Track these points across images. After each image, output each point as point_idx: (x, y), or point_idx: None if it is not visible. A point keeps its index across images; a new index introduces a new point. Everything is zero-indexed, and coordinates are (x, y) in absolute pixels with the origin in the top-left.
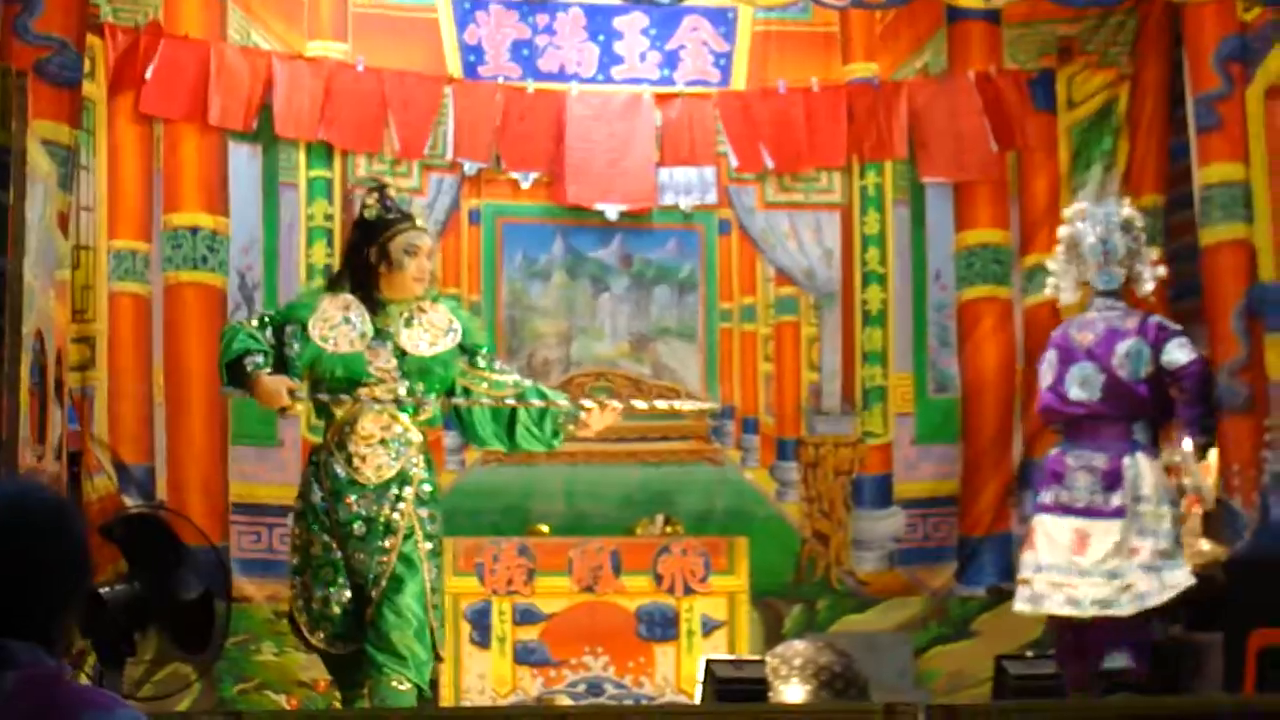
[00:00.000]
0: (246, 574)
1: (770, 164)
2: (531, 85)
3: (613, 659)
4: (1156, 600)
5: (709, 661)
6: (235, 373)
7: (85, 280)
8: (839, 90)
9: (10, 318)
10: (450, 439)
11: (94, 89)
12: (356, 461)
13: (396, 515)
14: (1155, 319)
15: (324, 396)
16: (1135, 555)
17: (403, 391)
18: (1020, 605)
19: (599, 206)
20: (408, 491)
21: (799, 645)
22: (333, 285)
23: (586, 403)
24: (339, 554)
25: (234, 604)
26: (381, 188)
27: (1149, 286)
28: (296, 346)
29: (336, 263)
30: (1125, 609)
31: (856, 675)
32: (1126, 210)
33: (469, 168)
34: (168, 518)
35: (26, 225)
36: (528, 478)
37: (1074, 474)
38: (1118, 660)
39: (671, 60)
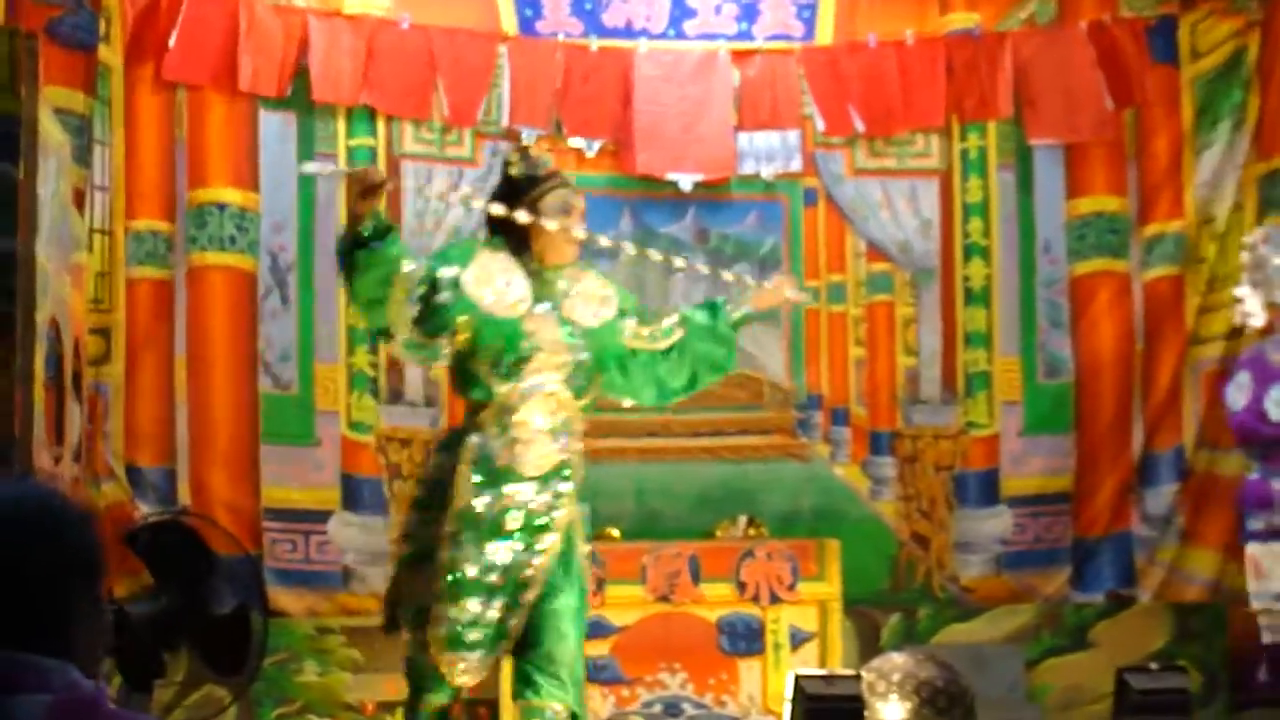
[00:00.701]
0: (283, 585)
1: (860, 126)
2: (595, 42)
3: (691, 676)
4: None
5: (798, 677)
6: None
7: (101, 266)
8: (936, 43)
9: (23, 304)
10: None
11: (110, 53)
12: (519, 448)
13: (557, 513)
14: None
15: (483, 368)
16: None
17: (572, 369)
18: (1266, 637)
19: (671, 176)
20: (569, 486)
21: (898, 658)
22: (489, 243)
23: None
24: (483, 559)
25: (271, 619)
26: (524, 146)
27: None
28: (448, 295)
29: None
30: None
31: (962, 691)
32: None
33: (527, 135)
34: (195, 524)
35: (39, 202)
36: (593, 476)
37: None
38: None
39: (750, 13)
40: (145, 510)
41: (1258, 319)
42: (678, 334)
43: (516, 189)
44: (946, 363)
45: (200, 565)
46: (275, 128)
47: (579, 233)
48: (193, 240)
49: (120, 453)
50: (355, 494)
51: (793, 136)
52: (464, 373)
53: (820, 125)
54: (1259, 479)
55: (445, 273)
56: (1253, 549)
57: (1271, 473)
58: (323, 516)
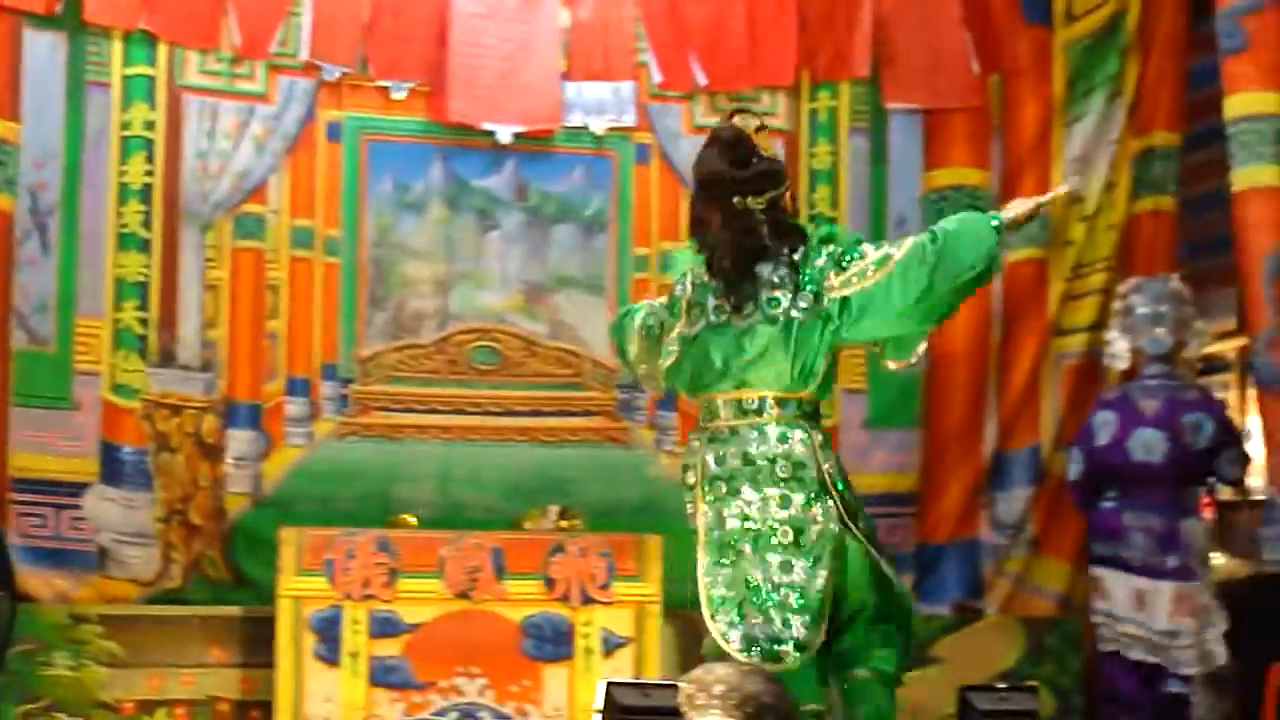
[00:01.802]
0: (31, 565)
1: (702, 79)
2: None
3: (491, 681)
4: (1216, 660)
5: (610, 686)
6: None
7: None
8: None
9: None
10: (293, 406)
11: None
12: None
13: None
14: (1219, 405)
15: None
16: (1191, 615)
17: None
18: (1100, 646)
19: (488, 126)
20: None
21: (720, 669)
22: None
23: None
24: None
25: (18, 604)
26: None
27: (1193, 355)
28: None
29: (160, 182)
30: (1187, 669)
31: (790, 707)
32: (1174, 284)
33: (328, 71)
34: None
35: None
36: (392, 456)
37: (1132, 533)
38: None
39: None
40: None
41: (1123, 362)
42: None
43: (778, 177)
44: None
45: None
46: (42, 50)
47: None
48: None
49: None
50: (116, 466)
51: (626, 88)
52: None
53: (657, 76)
54: (1113, 509)
55: None
56: (1098, 571)
57: (1125, 505)
58: (78, 489)
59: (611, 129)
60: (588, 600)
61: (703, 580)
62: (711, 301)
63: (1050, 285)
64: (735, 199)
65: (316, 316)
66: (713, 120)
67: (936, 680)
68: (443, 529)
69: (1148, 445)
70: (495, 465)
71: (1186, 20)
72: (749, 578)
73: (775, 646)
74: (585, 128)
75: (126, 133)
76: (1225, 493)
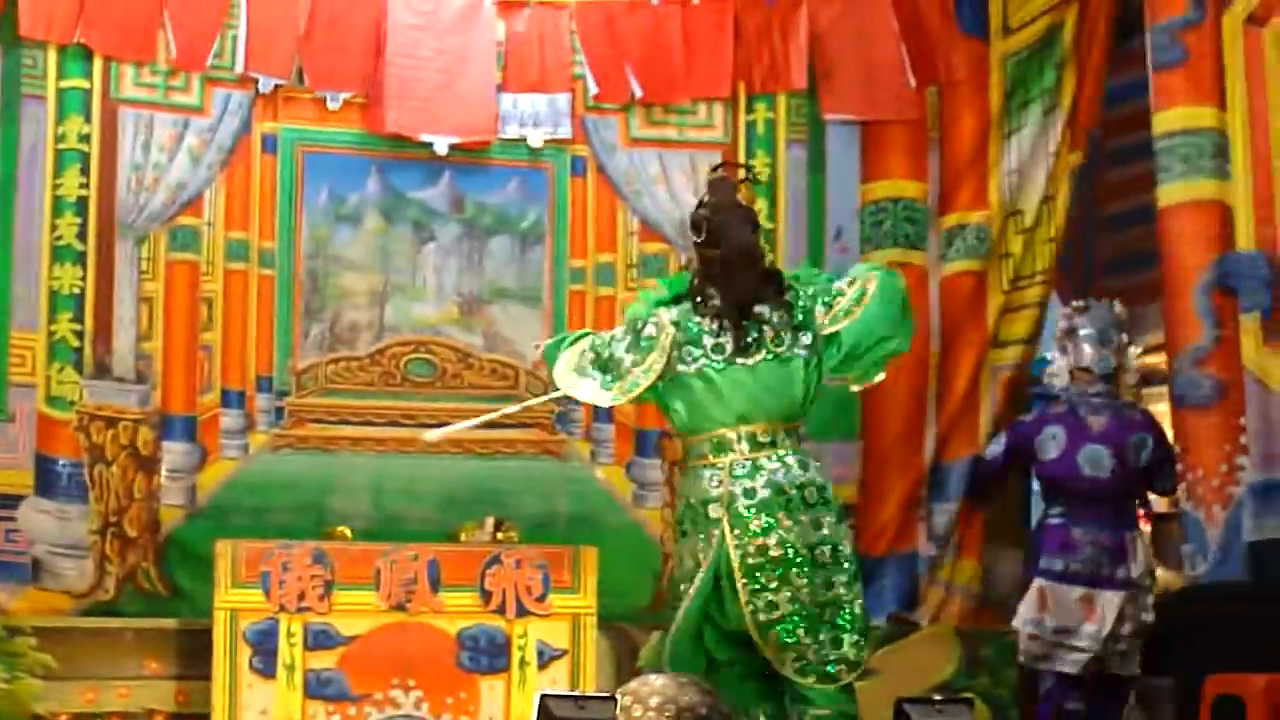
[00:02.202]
0: None
1: (638, 91)
2: None
3: (427, 694)
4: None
5: (545, 698)
6: None
7: None
8: (724, 4)
9: None
10: (228, 418)
11: None
12: None
13: None
14: (1158, 424)
15: None
16: (1133, 623)
17: None
18: (1024, 659)
19: (425, 138)
20: None
21: (656, 681)
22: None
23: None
24: None
25: None
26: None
27: (1132, 379)
28: None
29: (95, 195)
30: (1124, 670)
31: (724, 718)
32: (1118, 308)
33: (264, 83)
34: None
35: None
36: (326, 468)
37: (1082, 546)
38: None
39: None
40: None
41: (1062, 380)
42: None
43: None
44: None
45: None
46: None
47: None
48: None
49: None
50: (51, 477)
51: (562, 100)
52: None
53: (593, 89)
54: (1061, 524)
55: None
56: (1043, 584)
57: (1075, 520)
58: (13, 501)
59: (548, 141)
60: (523, 612)
61: (746, 609)
62: (709, 341)
63: (989, 297)
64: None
65: (251, 329)
66: (650, 133)
67: (873, 692)
68: (378, 541)
69: (1095, 461)
70: (430, 477)
71: (1110, 35)
72: (798, 600)
73: (829, 667)
74: (522, 139)
75: (62, 145)
76: (1162, 504)
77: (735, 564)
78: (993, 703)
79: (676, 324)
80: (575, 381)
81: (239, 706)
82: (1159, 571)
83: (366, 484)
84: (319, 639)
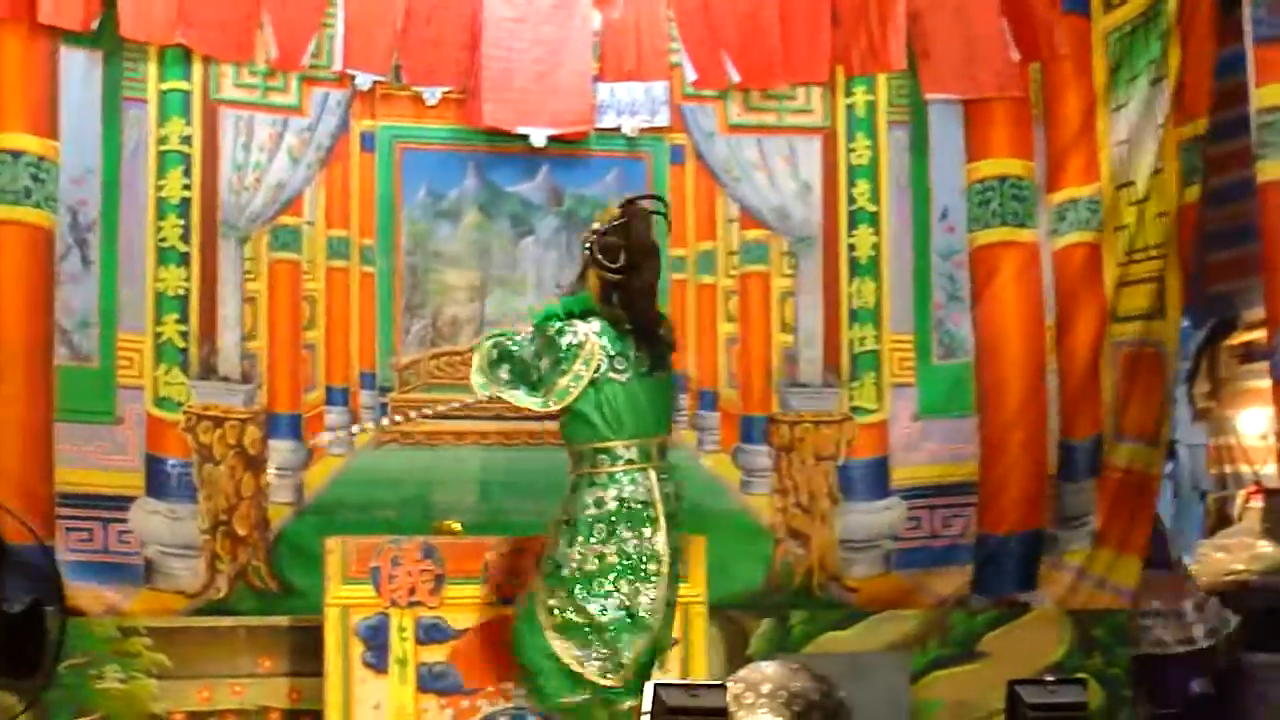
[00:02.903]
0: (80, 580)
1: (735, 78)
2: None
3: None
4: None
5: (658, 688)
6: None
7: None
8: None
9: None
10: (332, 415)
11: None
12: None
13: None
14: None
15: None
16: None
17: None
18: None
19: (522, 130)
20: None
21: (768, 668)
22: None
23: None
24: None
25: (68, 617)
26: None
27: None
28: None
29: (198, 196)
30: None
31: (838, 704)
32: None
33: (362, 81)
34: None
35: None
36: (431, 463)
37: None
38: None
39: None
40: None
41: None
42: None
43: None
44: (829, 341)
45: None
46: (78, 67)
47: None
48: None
49: None
50: (160, 478)
51: (659, 88)
52: None
53: (690, 76)
54: None
55: None
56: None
57: None
58: (124, 503)
59: (645, 130)
60: None
61: (659, 601)
62: (631, 355)
63: (1105, 270)
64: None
65: (354, 326)
66: (748, 119)
67: (983, 675)
68: (487, 534)
69: None
70: (534, 469)
71: (1219, 5)
72: (653, 600)
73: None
74: (619, 129)
75: (164, 147)
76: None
77: (663, 558)
78: (1106, 683)
79: (599, 335)
80: (490, 380)
81: (352, 702)
82: (1266, 546)
83: (471, 477)
84: (430, 633)
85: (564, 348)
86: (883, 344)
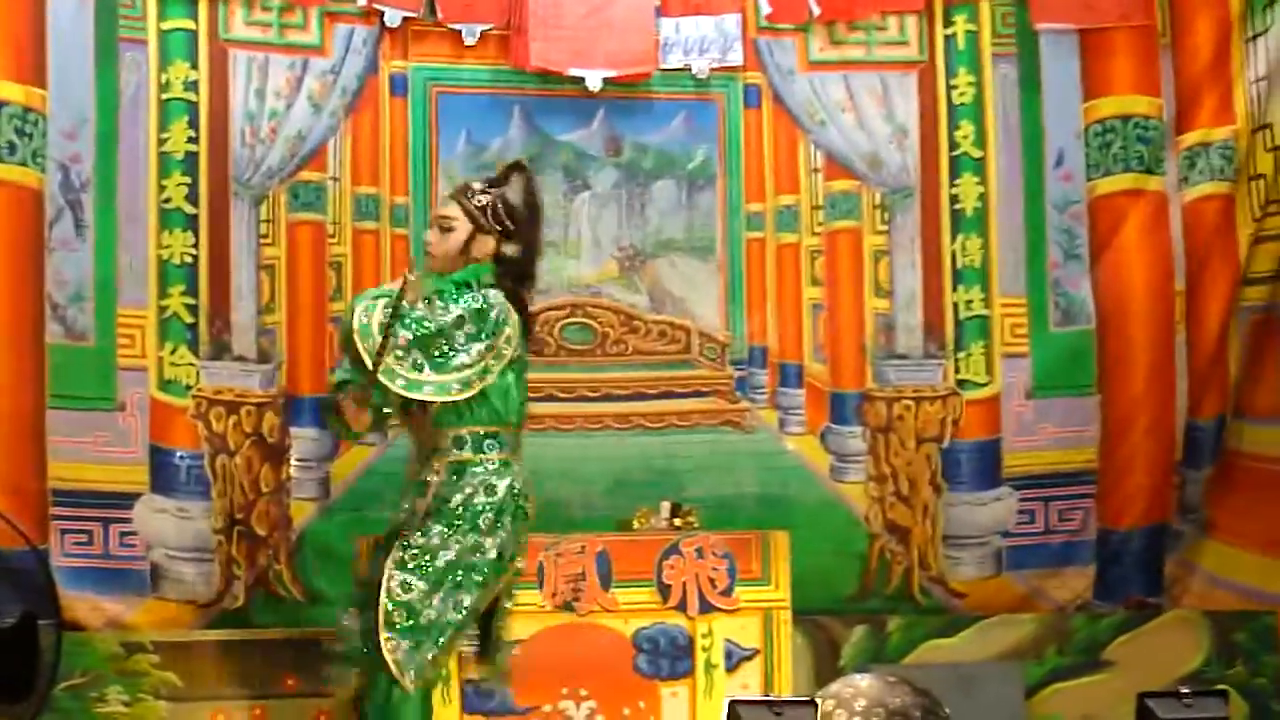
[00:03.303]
0: (77, 588)
1: (816, 9)
2: None
3: (601, 704)
4: None
5: (735, 705)
6: None
7: None
8: None
9: None
10: None
11: None
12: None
13: None
14: None
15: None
16: None
17: None
18: None
19: (575, 72)
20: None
21: (862, 682)
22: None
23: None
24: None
25: (64, 631)
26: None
27: None
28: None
29: (205, 150)
30: None
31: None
32: None
33: (391, 16)
34: None
35: None
36: None
37: None
38: None
39: None
40: None
41: None
42: None
43: None
44: (930, 306)
45: None
46: (69, 8)
47: (431, 245)
48: None
49: None
50: (167, 472)
51: (730, 21)
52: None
53: (765, 8)
54: None
55: None
56: None
57: None
58: (127, 501)
59: (716, 69)
60: (707, 608)
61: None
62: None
63: (1239, 226)
64: None
65: None
66: (832, 54)
67: (1110, 687)
68: (539, 532)
69: None
70: (595, 457)
71: None
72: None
73: None
74: (686, 69)
75: (166, 95)
76: None
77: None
78: (1250, 695)
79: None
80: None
81: None
82: None
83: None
84: None
85: (490, 324)
86: (992, 308)
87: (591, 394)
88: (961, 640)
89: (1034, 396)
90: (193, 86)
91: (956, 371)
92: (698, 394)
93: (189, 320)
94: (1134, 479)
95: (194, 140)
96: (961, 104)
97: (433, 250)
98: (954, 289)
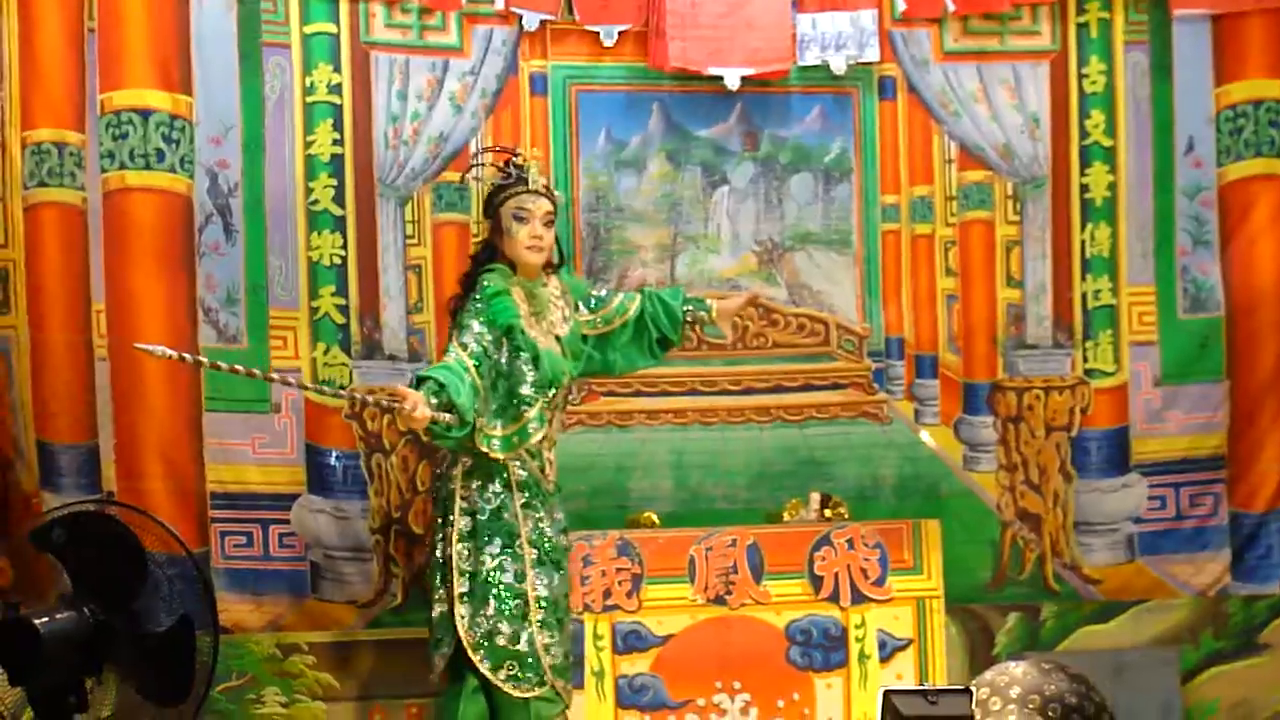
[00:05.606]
0: (236, 591)
1: (951, 5)
2: None
3: (755, 696)
4: None
5: (889, 695)
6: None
7: None
8: None
9: None
10: None
11: None
12: (548, 469)
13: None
14: None
15: (529, 394)
16: None
17: (567, 381)
18: None
19: (713, 71)
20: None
21: (1017, 670)
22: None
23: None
24: (527, 580)
25: (222, 635)
26: (511, 151)
27: None
28: (525, 354)
29: (350, 152)
30: None
31: (1100, 709)
32: None
33: (529, 19)
34: (122, 515)
35: None
36: (622, 446)
37: None
38: None
39: None
40: (58, 499)
41: None
42: (633, 307)
43: (488, 202)
44: (1060, 295)
45: (130, 568)
46: (211, 11)
47: (535, 240)
48: (109, 156)
49: (29, 426)
50: (324, 472)
51: (867, 16)
52: (511, 402)
53: (900, 4)
54: None
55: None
56: None
57: None
58: (285, 502)
59: (853, 64)
60: (860, 599)
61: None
62: None
63: None
64: None
65: None
66: (967, 45)
67: (1268, 671)
68: (689, 526)
69: None
70: (737, 450)
71: None
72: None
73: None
74: (824, 64)
75: (310, 98)
76: None
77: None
78: None
79: None
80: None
81: None
82: None
83: (667, 461)
84: (629, 641)
85: (525, 345)
86: (1120, 297)
87: (733, 388)
88: (1116, 626)
89: (1162, 384)
90: (336, 89)
91: (1085, 361)
92: (836, 386)
93: (340, 320)
94: (1265, 461)
95: (339, 142)
96: (1093, 93)
97: (543, 245)
98: (1083, 278)
